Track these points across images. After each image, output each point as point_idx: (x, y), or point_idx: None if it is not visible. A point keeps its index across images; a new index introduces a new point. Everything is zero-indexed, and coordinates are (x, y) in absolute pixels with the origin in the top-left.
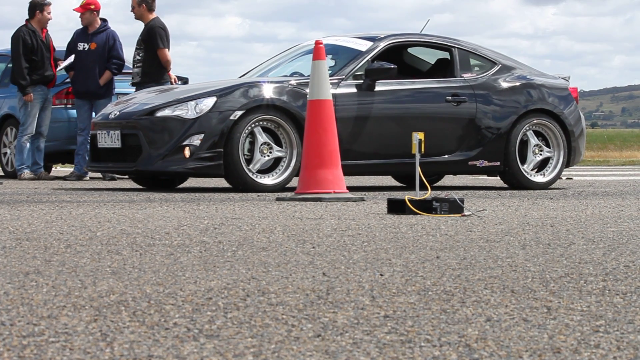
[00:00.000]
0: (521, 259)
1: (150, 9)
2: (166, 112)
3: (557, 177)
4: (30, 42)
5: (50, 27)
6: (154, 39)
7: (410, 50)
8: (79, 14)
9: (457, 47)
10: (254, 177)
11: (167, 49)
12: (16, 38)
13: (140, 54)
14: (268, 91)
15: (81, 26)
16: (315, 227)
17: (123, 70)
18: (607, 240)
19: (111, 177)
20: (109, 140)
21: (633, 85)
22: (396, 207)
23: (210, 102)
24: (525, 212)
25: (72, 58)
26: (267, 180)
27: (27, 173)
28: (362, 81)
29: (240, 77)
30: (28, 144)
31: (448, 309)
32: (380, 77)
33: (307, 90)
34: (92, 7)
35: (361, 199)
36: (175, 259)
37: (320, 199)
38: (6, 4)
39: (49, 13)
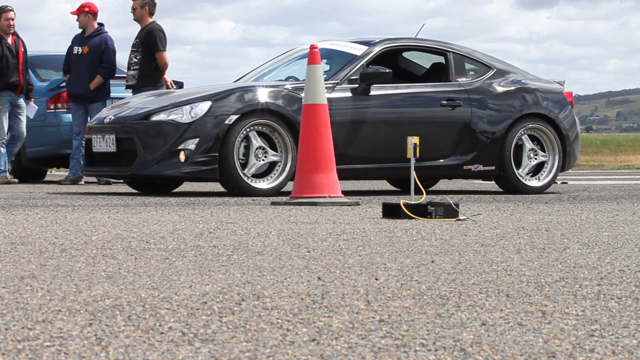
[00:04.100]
0: (516, 263)
1: (152, 12)
2: (161, 117)
3: (552, 181)
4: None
5: (44, 32)
6: (154, 42)
7: (405, 54)
8: (75, 17)
9: (452, 52)
10: (249, 181)
11: (165, 52)
12: None
13: (137, 57)
14: (263, 95)
15: (80, 30)
16: (310, 231)
17: (115, 75)
18: (602, 244)
19: (106, 181)
20: (104, 144)
21: (628, 89)
22: (391, 212)
23: (205, 106)
24: (520, 216)
25: None
26: (262, 184)
27: (3, 177)
28: (357, 85)
29: (235, 81)
30: (2, 149)
31: (443, 313)
32: (375, 81)
33: (302, 95)
34: (87, 9)
35: (356, 203)
36: (170, 263)
37: (315, 203)
38: None
39: (11, 19)
